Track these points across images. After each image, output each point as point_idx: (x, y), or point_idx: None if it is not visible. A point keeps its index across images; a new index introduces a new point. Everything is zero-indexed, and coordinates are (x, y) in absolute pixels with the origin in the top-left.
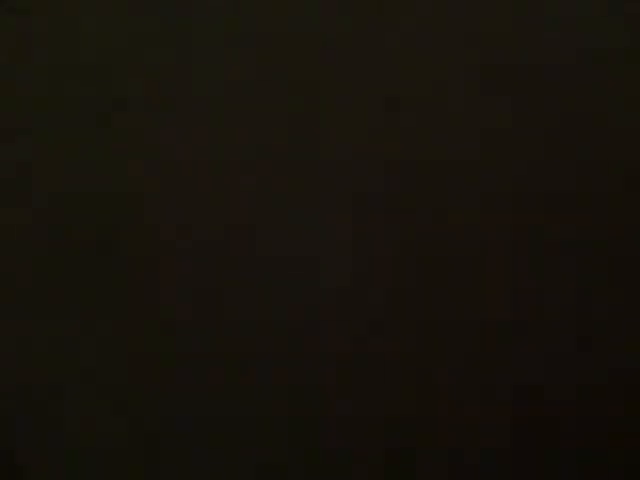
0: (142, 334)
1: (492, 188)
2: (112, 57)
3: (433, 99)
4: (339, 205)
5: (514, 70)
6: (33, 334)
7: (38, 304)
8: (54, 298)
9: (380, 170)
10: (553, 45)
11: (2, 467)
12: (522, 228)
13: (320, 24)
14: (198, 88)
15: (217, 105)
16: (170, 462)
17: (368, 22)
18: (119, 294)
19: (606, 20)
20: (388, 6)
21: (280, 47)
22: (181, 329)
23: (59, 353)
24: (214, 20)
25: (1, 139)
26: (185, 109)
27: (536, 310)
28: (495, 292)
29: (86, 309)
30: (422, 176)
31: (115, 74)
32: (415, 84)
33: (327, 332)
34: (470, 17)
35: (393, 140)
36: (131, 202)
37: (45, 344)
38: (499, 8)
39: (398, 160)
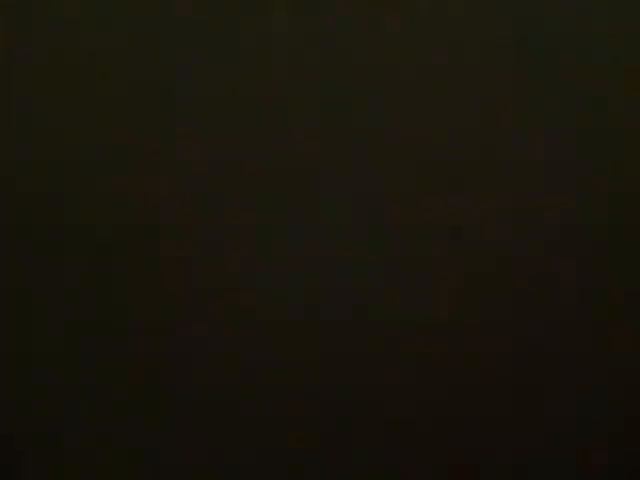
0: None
1: (492, 189)
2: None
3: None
4: (339, 207)
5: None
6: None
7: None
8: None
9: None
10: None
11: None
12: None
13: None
14: (199, 90)
15: (218, 105)
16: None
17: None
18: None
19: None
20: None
21: (280, 52)
22: (181, 330)
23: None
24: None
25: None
26: (186, 111)
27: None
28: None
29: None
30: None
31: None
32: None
33: (328, 332)
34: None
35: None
36: (131, 202)
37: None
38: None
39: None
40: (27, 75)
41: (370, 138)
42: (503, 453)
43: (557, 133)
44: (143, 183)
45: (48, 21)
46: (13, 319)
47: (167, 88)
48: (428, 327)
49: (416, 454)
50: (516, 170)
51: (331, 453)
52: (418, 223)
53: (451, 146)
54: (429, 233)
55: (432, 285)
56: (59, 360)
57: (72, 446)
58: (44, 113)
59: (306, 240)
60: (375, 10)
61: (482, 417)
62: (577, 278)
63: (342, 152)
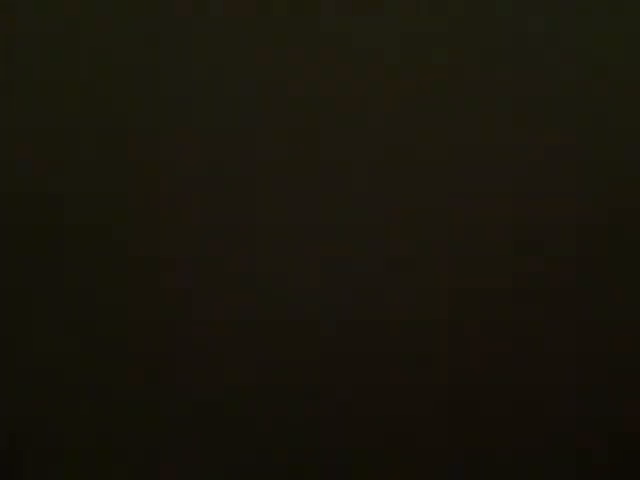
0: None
1: (492, 189)
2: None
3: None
4: (339, 208)
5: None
6: None
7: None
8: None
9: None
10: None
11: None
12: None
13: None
14: (199, 92)
15: (218, 105)
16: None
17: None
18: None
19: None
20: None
21: (282, 55)
22: (180, 330)
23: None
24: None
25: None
26: (184, 114)
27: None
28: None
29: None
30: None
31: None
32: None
33: (328, 333)
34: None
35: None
36: (128, 204)
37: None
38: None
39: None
40: (27, 75)
41: (370, 138)
42: (503, 453)
43: (557, 133)
44: (143, 183)
45: (48, 21)
46: (13, 319)
47: (167, 88)
48: (428, 327)
49: (416, 454)
50: (516, 170)
51: (331, 453)
52: (418, 223)
53: (451, 146)
54: (429, 233)
55: (432, 285)
56: (59, 360)
57: (72, 446)
58: (44, 113)
59: (306, 240)
60: (375, 10)
61: (482, 417)
62: (577, 278)
63: (342, 152)
